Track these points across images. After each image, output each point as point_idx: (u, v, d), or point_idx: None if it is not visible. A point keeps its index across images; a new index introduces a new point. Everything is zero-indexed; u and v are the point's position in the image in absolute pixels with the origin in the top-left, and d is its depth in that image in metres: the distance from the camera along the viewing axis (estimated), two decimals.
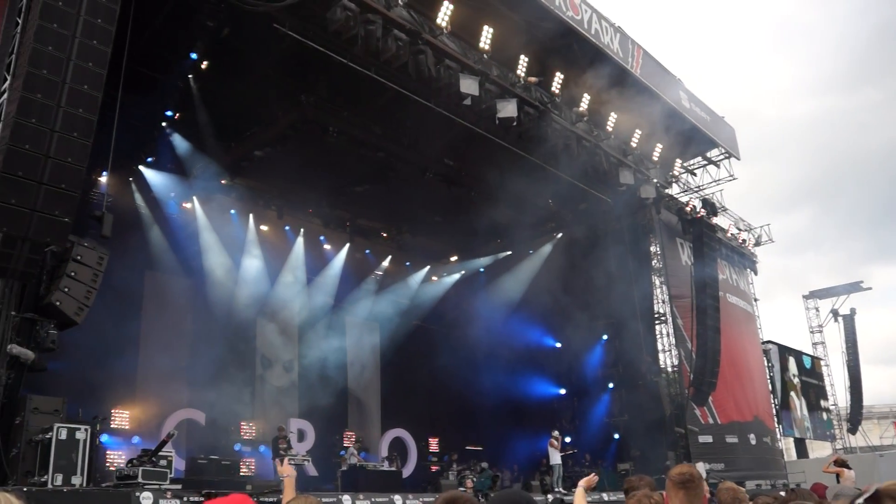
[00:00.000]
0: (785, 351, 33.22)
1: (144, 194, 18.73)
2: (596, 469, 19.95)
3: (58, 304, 10.37)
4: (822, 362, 38.67)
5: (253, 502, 2.08)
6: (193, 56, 15.92)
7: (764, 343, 30.96)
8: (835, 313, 40.38)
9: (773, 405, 29.87)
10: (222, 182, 19.66)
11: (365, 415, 24.08)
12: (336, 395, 21.85)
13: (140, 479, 10.81)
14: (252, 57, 16.21)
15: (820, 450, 34.98)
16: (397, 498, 13.83)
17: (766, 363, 30.70)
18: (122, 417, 17.21)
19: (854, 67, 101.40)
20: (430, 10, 15.54)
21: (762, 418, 27.28)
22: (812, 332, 40.71)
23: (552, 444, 19.12)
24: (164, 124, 17.88)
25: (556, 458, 19.04)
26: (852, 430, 38.91)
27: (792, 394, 32.70)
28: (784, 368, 32.49)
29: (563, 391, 25.61)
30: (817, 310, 41.18)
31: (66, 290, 10.49)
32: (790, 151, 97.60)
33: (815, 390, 35.21)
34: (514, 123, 17.35)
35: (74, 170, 9.54)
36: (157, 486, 10.90)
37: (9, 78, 10.13)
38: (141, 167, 18.52)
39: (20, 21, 10.43)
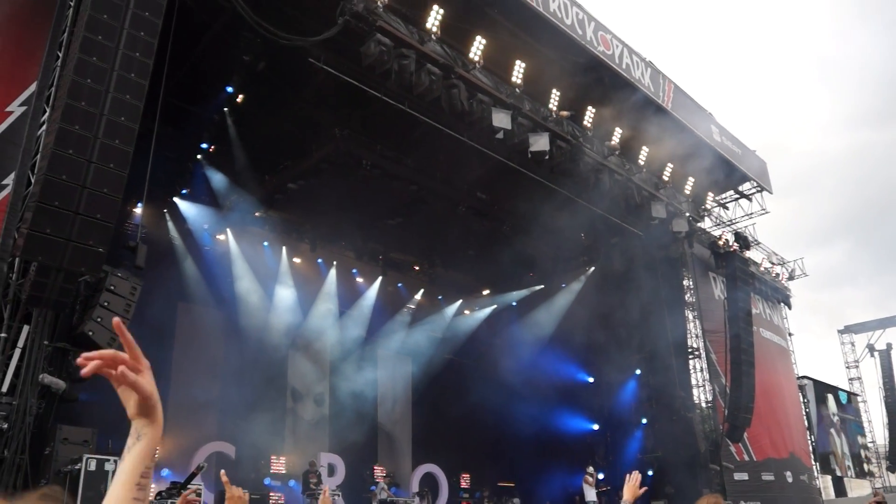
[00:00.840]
0: (822, 387, 32.54)
1: (178, 226, 18.91)
2: None
3: (90, 333, 10.41)
4: (859, 398, 37.84)
5: None
6: (229, 89, 16.15)
7: (799, 378, 30.34)
8: (870, 348, 39.65)
9: (809, 442, 29.17)
10: (256, 214, 19.79)
11: (396, 449, 23.86)
12: (367, 430, 21.69)
13: None
14: (287, 90, 16.41)
15: (858, 489, 33.95)
16: None
17: (801, 399, 30.08)
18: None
19: (890, 102, 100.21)
20: (463, 44, 15.63)
21: (798, 455, 26.66)
22: (848, 367, 39.99)
23: (587, 480, 18.78)
24: (199, 156, 18.11)
25: (590, 494, 18.67)
26: (891, 467, 37.80)
27: (832, 431, 31.95)
28: (822, 405, 31.80)
29: (596, 426, 25.30)
30: (853, 344, 40.45)
31: (99, 319, 10.53)
32: (826, 185, 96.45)
33: (852, 427, 34.42)
34: (547, 157, 17.29)
35: (110, 200, 9.61)
36: None
37: (48, 110, 10.31)
38: (175, 199, 18.72)
39: (60, 55, 10.65)
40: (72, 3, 10.93)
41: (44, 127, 10.29)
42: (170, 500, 11.81)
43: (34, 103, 10.54)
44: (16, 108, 10.42)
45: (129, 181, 10.03)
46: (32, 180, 9.98)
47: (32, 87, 10.60)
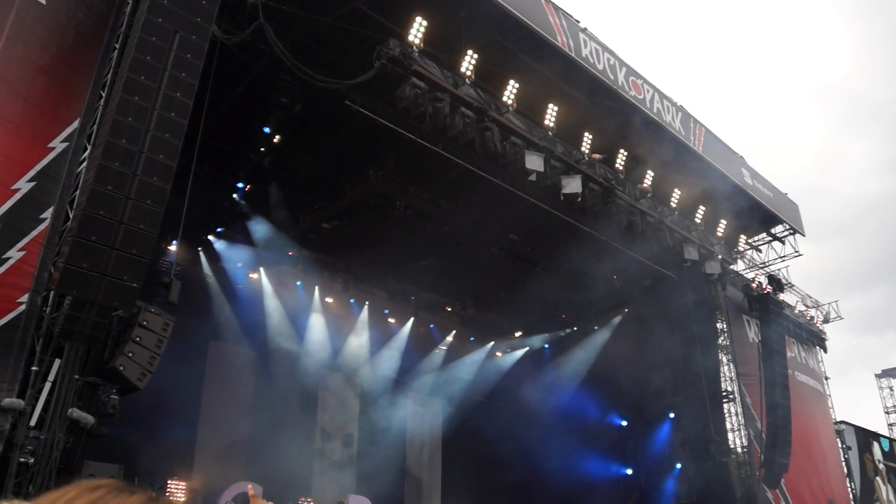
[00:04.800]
0: (866, 434, 31.77)
1: (212, 264, 19.12)
2: None
3: (121, 368, 10.45)
4: None
5: None
6: (267, 130, 16.42)
7: (837, 423, 29.65)
8: None
9: (849, 489, 28.37)
10: (289, 253, 19.96)
11: (424, 492, 23.61)
12: (395, 471, 21.52)
13: None
14: (323, 132, 16.64)
15: None
16: None
17: (839, 444, 29.29)
18: (178, 489, 17.14)
19: None
20: (497, 88, 15.74)
21: (838, 503, 25.90)
22: (887, 412, 39.01)
23: None
24: (234, 196, 18.34)
25: None
26: None
27: (878, 479, 31.06)
28: (866, 452, 30.98)
29: (629, 471, 24.99)
30: (891, 389, 39.58)
31: (131, 354, 10.58)
32: (867, 228, 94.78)
33: (893, 464, 33.48)
34: (579, 199, 17.24)
35: (146, 236, 9.72)
36: None
37: (89, 147, 10.52)
38: (210, 237, 18.96)
39: (104, 94, 10.90)
40: (117, 45, 11.23)
41: (84, 163, 10.49)
42: None
43: (76, 140, 10.76)
44: (58, 145, 10.65)
45: (166, 218, 10.14)
46: (71, 215, 10.15)
47: (75, 124, 10.84)
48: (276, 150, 17.01)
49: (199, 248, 18.96)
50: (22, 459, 9.31)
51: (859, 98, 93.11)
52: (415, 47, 13.87)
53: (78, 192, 10.19)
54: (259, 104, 15.78)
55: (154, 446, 15.31)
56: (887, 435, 36.23)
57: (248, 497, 14.80)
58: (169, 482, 16.60)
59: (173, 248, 15.79)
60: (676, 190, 19.58)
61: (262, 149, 16.98)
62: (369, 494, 20.67)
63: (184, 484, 17.46)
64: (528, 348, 26.29)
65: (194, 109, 10.63)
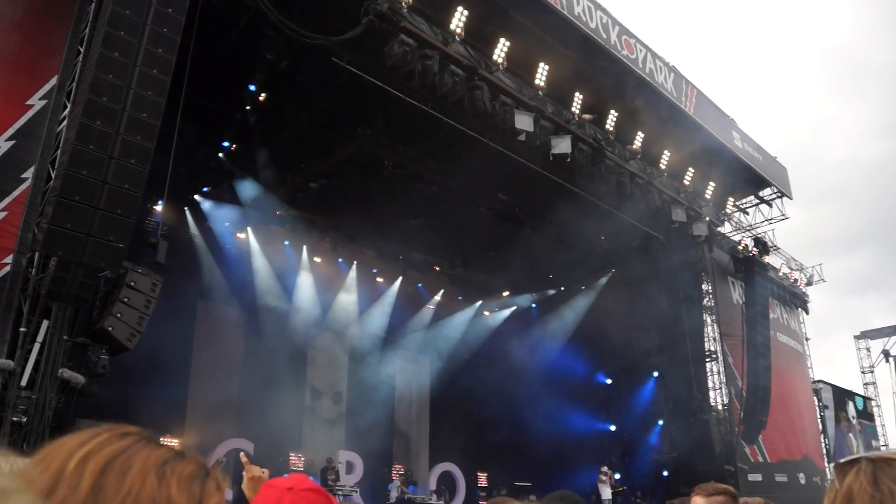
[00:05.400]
0: (842, 392, 32.61)
1: (199, 223, 19.00)
2: None
3: (110, 329, 10.44)
4: (873, 403, 37.86)
5: (312, 482, 1.99)
6: (252, 88, 16.20)
7: (815, 382, 30.51)
8: (885, 354, 39.54)
9: (823, 445, 29.23)
10: (277, 213, 19.85)
11: (413, 448, 23.91)
12: (384, 428, 21.75)
13: None
14: (310, 90, 16.43)
15: None
16: None
17: (816, 402, 30.27)
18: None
19: None
20: (487, 46, 15.56)
21: (812, 458, 26.95)
22: (863, 372, 40.02)
23: (601, 479, 18.82)
24: (220, 155, 18.17)
25: (606, 493, 18.76)
26: None
27: (850, 435, 31.97)
28: (842, 409, 31.87)
29: (613, 427, 25.60)
30: (868, 350, 40.48)
31: (119, 315, 10.56)
32: (856, 193, 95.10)
33: (867, 431, 34.46)
34: (568, 160, 17.22)
35: (131, 196, 9.63)
36: None
37: (69, 105, 10.35)
38: (196, 197, 18.81)
39: (81, 49, 10.69)
40: None
41: (64, 122, 10.33)
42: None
43: (55, 97, 10.57)
44: (36, 102, 10.47)
45: (150, 178, 10.04)
46: (53, 175, 10.03)
47: (53, 81, 10.64)
48: (262, 108, 16.79)
49: (186, 208, 18.82)
50: (15, 419, 9.33)
51: (854, 62, 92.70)
52: (403, 3, 13.67)
53: (59, 151, 10.05)
54: (244, 61, 15.52)
55: (146, 405, 15.35)
56: (862, 394, 37.16)
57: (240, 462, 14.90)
58: (161, 440, 16.64)
59: (159, 208, 15.64)
60: (666, 151, 19.61)
61: (248, 107, 16.76)
62: (359, 450, 20.90)
63: (176, 441, 17.57)
64: (515, 307, 26.44)
65: (177, 66, 10.47)
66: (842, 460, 1.44)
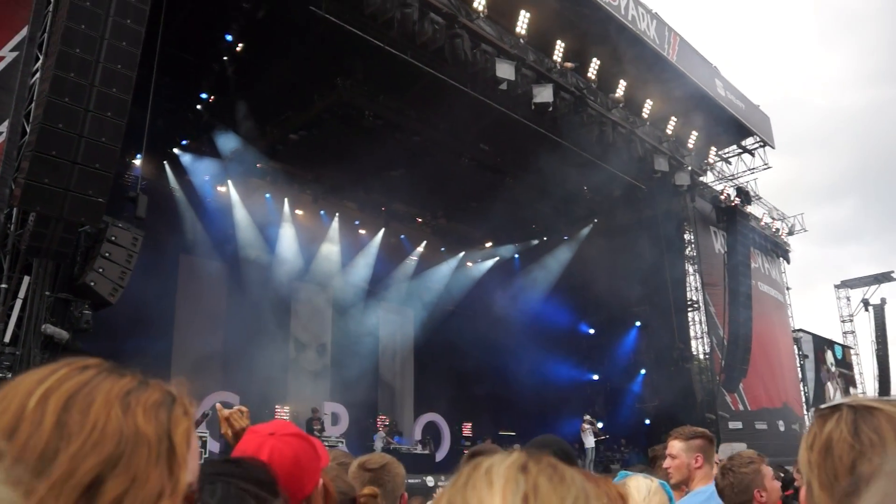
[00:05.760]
0: (822, 341, 33.14)
1: (179, 177, 18.82)
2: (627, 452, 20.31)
3: (92, 284, 10.40)
4: (852, 351, 38.53)
5: (295, 427, 2.00)
6: (228, 38, 15.93)
7: (795, 331, 30.99)
8: (865, 303, 40.08)
9: (802, 392, 29.85)
10: (257, 165, 19.69)
11: (398, 399, 24.15)
12: (369, 379, 21.91)
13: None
14: (288, 39, 16.15)
15: None
16: (429, 479, 13.88)
17: (796, 351, 30.85)
18: None
19: None
20: None
21: (791, 405, 27.54)
22: (843, 321, 40.60)
23: (584, 427, 19.12)
24: (198, 107, 17.92)
25: (589, 441, 19.04)
26: None
27: (829, 383, 32.66)
28: (821, 359, 32.43)
29: (595, 377, 25.86)
30: (848, 299, 41.09)
31: (101, 270, 10.51)
32: (839, 141, 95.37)
33: (844, 379, 35.18)
34: (550, 109, 17.12)
35: (108, 150, 9.51)
36: None
37: (41, 56, 10.13)
38: (175, 150, 18.59)
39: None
40: None
41: (37, 74, 10.12)
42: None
43: (26, 49, 10.32)
44: (7, 54, 10.23)
45: (128, 132, 9.91)
46: (28, 129, 9.86)
47: (24, 32, 10.36)
48: (240, 59, 16.53)
49: (165, 162, 18.59)
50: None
51: (840, 8, 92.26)
52: None
53: (33, 104, 9.86)
54: (220, 10, 15.22)
55: (130, 359, 15.12)
56: (841, 342, 37.80)
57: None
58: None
59: (138, 162, 15.47)
60: (649, 100, 19.52)
61: (225, 58, 16.48)
62: (344, 402, 21.07)
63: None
64: (498, 258, 26.52)
65: (152, 16, 10.27)
66: (822, 406, 1.40)
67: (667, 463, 4.18)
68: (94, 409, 0.84)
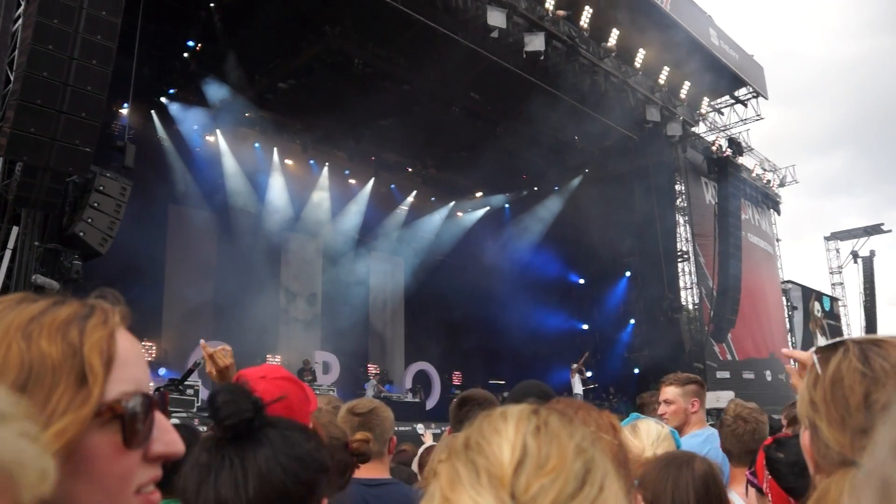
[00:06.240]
0: (811, 292, 33.37)
1: (167, 127, 18.62)
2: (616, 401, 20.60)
3: (81, 234, 10.39)
4: (840, 303, 38.84)
5: (285, 370, 2.05)
6: None
7: (784, 283, 31.18)
8: (854, 255, 40.26)
9: (790, 343, 30.14)
10: (246, 115, 19.49)
11: (388, 348, 24.34)
12: (359, 329, 22.03)
13: (167, 407, 10.99)
14: None
15: None
16: (420, 427, 14.07)
17: (784, 302, 31.03)
18: (147, 349, 17.44)
19: None
20: None
21: (778, 356, 27.67)
22: (832, 272, 40.85)
23: (573, 373, 19.40)
24: (185, 55, 17.66)
25: (577, 387, 19.30)
26: None
27: (817, 332, 32.99)
28: (809, 310, 32.72)
29: (585, 326, 26.01)
30: (838, 251, 41.21)
31: (90, 220, 10.49)
32: (833, 92, 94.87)
33: (832, 330, 35.55)
34: (542, 58, 16.96)
35: (94, 98, 9.42)
36: (185, 414, 11.09)
37: (22, 3, 9.94)
38: (163, 99, 18.38)
39: None
40: None
41: (20, 21, 9.94)
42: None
43: None
44: None
45: (114, 80, 9.81)
46: (12, 77, 9.73)
47: None
48: (226, 6, 16.26)
49: (152, 111, 18.36)
50: None
51: None
52: None
53: (17, 52, 9.71)
54: None
55: None
56: (830, 294, 38.11)
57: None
58: (140, 343, 16.79)
59: (125, 111, 15.27)
60: (641, 50, 19.33)
61: (212, 4, 16.22)
62: (335, 351, 21.25)
63: (153, 345, 17.77)
64: (488, 208, 26.50)
65: None
66: (823, 345, 1.36)
67: (662, 409, 4.27)
68: None
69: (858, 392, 1.23)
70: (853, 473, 1.11)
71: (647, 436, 2.53)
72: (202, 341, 3.30)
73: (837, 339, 1.34)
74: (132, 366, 0.91)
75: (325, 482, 1.31)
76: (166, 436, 0.94)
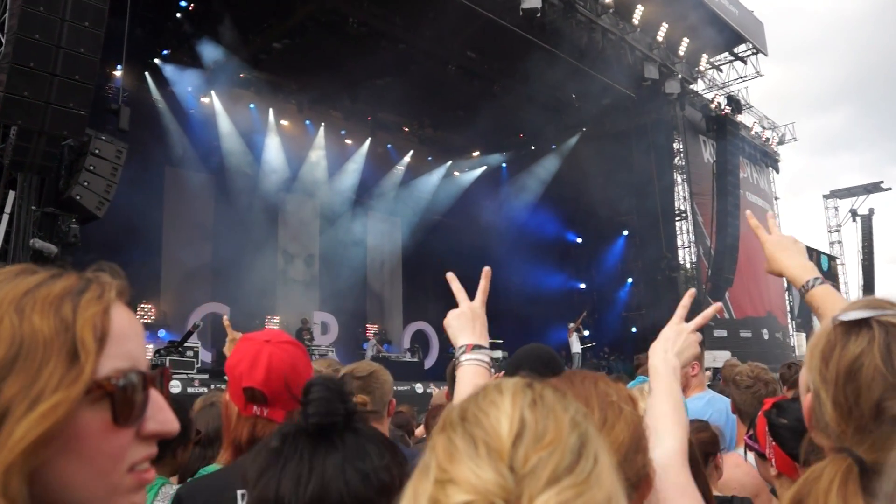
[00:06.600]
0: (809, 251, 33.33)
1: (161, 88, 18.48)
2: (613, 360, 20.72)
3: (78, 198, 10.38)
4: (838, 261, 38.84)
5: (288, 335, 2.07)
6: None
7: None
8: (853, 213, 40.12)
9: (787, 302, 30.24)
10: (241, 76, 19.34)
11: (386, 308, 24.46)
12: (357, 289, 22.14)
13: (167, 384, 11.08)
14: None
15: None
16: (418, 386, 14.25)
17: None
18: (147, 311, 17.52)
19: None
20: None
21: (775, 314, 27.84)
22: (830, 231, 40.77)
23: (570, 332, 19.51)
24: (178, 15, 17.45)
25: (575, 346, 19.41)
26: None
27: None
28: None
29: (582, 285, 26.09)
30: (836, 209, 41.03)
31: (86, 184, 10.47)
32: (833, 49, 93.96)
33: (830, 283, 35.64)
34: (538, 15, 16.79)
35: (88, 60, 9.35)
36: (184, 376, 11.18)
37: None
38: (156, 61, 18.22)
39: None
40: None
41: None
42: (168, 358, 12.20)
43: None
44: None
45: (107, 42, 9.71)
46: (3, 40, 9.63)
47: None
48: None
49: (146, 73, 18.22)
50: None
51: None
52: None
53: (7, 14, 9.60)
54: None
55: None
56: (828, 252, 38.03)
57: (220, 322, 15.20)
58: (138, 306, 16.90)
59: (118, 73, 15.17)
60: (639, 6, 19.16)
61: None
62: (333, 311, 21.36)
63: (152, 307, 17.85)
64: (485, 167, 26.41)
65: None
66: (845, 317, 1.23)
67: None
68: None
69: (874, 393, 1.16)
70: (847, 464, 1.10)
71: None
72: (225, 318, 3.38)
73: (861, 312, 1.22)
74: (127, 341, 0.89)
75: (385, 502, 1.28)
76: (160, 414, 0.92)
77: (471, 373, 2.03)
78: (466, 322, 2.25)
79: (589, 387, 1.39)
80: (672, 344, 1.89)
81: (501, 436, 0.75)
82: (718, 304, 2.16)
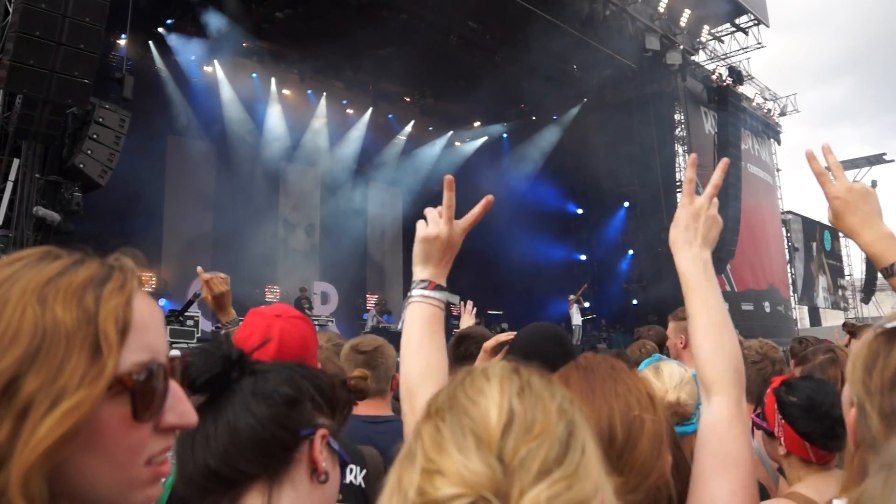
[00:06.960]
0: (812, 224, 33.30)
1: (165, 57, 18.47)
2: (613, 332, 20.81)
3: (81, 166, 10.47)
4: (841, 233, 38.76)
5: (296, 310, 2.13)
6: None
7: (784, 213, 31.09)
8: None
9: (789, 274, 30.26)
10: (243, 45, 19.29)
11: (386, 279, 24.57)
12: (358, 259, 22.23)
13: (167, 338, 11.21)
14: None
15: (833, 319, 35.46)
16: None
17: (784, 233, 30.98)
18: (148, 279, 17.65)
19: None
20: None
21: (777, 287, 27.82)
22: None
23: (571, 304, 19.60)
24: None
25: (576, 318, 19.51)
26: (865, 299, 39.24)
27: (820, 276, 33.08)
28: (812, 239, 32.69)
29: (583, 257, 26.10)
30: None
31: (90, 152, 10.56)
32: (835, 20, 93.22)
33: (832, 271, 35.59)
34: None
35: (93, 30, 9.40)
36: (184, 345, 11.32)
37: None
38: (160, 30, 18.18)
39: None
40: None
41: None
42: (168, 327, 12.34)
43: None
44: None
45: (112, 11, 9.75)
46: (10, 9, 9.66)
47: None
48: None
49: (150, 42, 18.21)
50: None
51: None
52: None
53: None
54: None
55: (122, 241, 15.20)
56: (830, 224, 37.98)
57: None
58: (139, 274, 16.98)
59: (122, 42, 15.14)
60: None
61: None
62: (333, 281, 21.46)
63: (153, 275, 17.98)
64: (486, 138, 26.38)
65: None
66: (889, 325, 1.21)
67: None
68: (9, 307, 0.78)
69: None
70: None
71: (669, 378, 2.51)
72: (199, 268, 3.40)
73: None
74: (148, 332, 0.87)
75: (307, 413, 1.26)
76: (180, 406, 0.91)
77: (427, 315, 1.84)
78: (436, 251, 1.93)
79: (610, 396, 1.34)
80: (693, 232, 1.76)
81: (490, 426, 0.74)
82: (725, 161, 1.86)
